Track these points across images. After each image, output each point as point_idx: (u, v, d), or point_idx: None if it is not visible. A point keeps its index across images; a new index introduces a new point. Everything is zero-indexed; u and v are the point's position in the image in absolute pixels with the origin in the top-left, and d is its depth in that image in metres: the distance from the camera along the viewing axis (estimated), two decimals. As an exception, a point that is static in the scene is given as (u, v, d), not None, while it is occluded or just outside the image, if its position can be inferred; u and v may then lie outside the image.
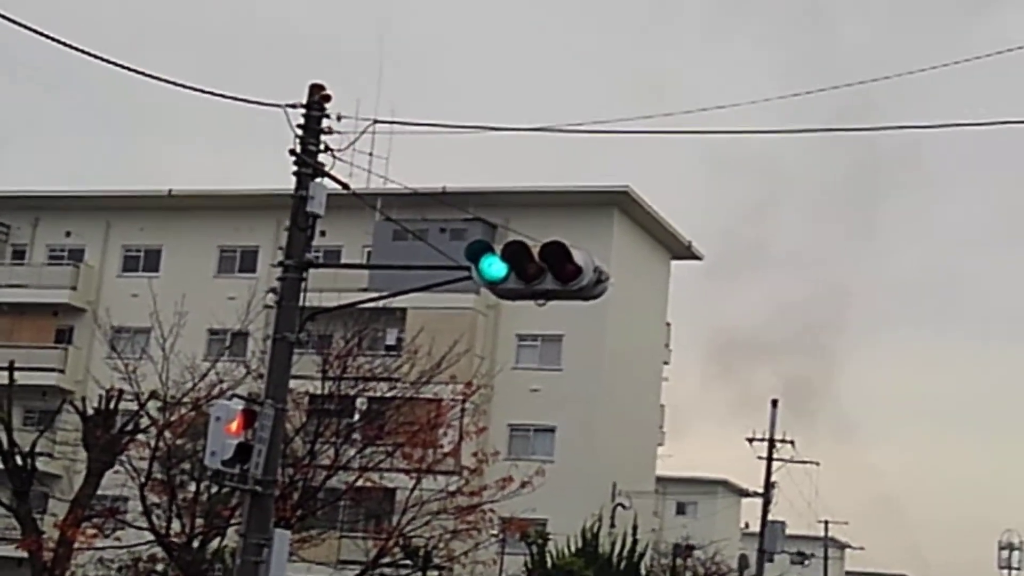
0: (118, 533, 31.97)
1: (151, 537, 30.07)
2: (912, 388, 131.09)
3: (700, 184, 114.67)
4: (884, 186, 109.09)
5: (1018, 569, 75.78)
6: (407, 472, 33.48)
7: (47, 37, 15.12)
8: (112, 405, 31.12)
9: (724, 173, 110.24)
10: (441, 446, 35.34)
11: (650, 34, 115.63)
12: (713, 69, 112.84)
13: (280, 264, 18.68)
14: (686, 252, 58.58)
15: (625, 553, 44.59)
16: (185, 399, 30.98)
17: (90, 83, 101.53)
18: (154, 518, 29.65)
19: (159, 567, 33.07)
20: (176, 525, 29.84)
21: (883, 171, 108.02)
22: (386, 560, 34.33)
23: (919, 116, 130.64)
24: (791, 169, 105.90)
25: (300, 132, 18.44)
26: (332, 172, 18.47)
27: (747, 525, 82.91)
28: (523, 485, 34.19)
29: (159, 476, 30.19)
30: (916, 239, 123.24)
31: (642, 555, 45.84)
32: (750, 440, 54.40)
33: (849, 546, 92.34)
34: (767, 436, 54.20)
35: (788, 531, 58.36)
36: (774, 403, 54.73)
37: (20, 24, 14.59)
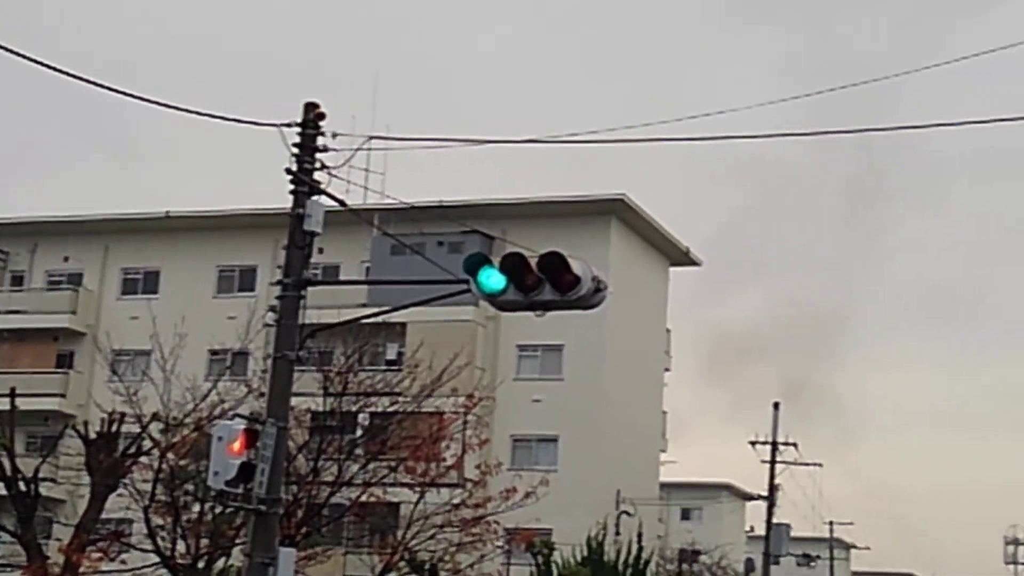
0: (123, 556, 31.88)
1: (156, 559, 30.05)
2: (913, 388, 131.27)
3: (698, 190, 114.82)
4: (886, 190, 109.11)
5: (1024, 564, 75.86)
6: (411, 486, 33.49)
7: (39, 63, 15.15)
8: (114, 428, 31.06)
9: (721, 179, 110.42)
10: (444, 459, 35.36)
11: (644, 40, 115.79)
12: (705, 77, 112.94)
13: (279, 283, 18.70)
14: (684, 258, 58.57)
15: (631, 560, 44.52)
16: (187, 420, 30.97)
17: (86, 108, 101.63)
18: (159, 540, 29.63)
19: (165, 589, 33.08)
20: (181, 546, 29.81)
21: (885, 175, 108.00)
22: (392, 575, 34.33)
23: (918, 118, 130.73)
24: (790, 173, 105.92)
25: (295, 151, 18.48)
26: (328, 189, 18.50)
27: (752, 529, 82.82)
28: (527, 496, 34.19)
29: (163, 498, 30.18)
30: (918, 243, 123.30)
31: (647, 562, 45.77)
32: (753, 443, 54.37)
33: (855, 546, 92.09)
34: (770, 439, 54.16)
35: (793, 533, 58.22)
36: (776, 406, 54.72)
37: (11, 51, 14.62)
